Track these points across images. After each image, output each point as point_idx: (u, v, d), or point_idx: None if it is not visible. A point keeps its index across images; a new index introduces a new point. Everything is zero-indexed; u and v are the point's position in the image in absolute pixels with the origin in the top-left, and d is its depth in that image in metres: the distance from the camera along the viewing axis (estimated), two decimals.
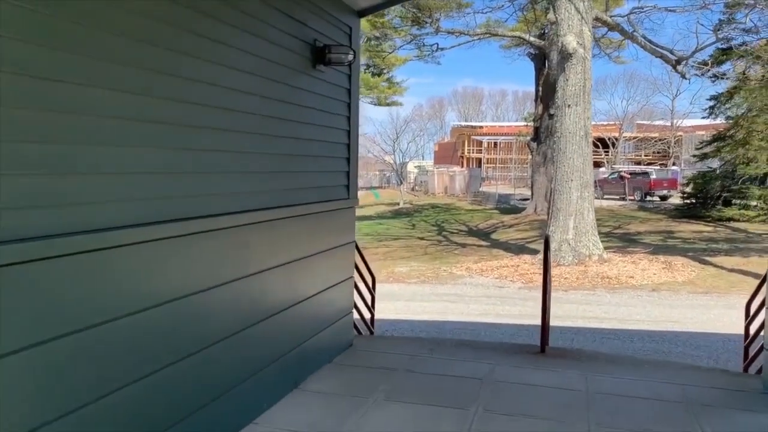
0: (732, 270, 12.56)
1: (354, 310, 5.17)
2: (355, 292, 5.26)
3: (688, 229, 19.10)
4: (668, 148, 48.59)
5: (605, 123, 50.79)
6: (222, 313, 3.15)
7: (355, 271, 5.18)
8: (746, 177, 19.99)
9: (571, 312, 8.81)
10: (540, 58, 25.86)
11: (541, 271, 13.10)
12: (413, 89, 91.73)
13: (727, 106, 20.43)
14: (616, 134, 50.24)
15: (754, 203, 19.61)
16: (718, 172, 21.55)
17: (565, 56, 13.71)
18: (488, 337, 7.37)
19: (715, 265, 13.10)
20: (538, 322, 7.21)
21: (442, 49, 24.24)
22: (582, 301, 9.75)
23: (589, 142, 13.86)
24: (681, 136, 49.41)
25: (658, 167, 40.18)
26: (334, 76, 4.16)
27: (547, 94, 23.10)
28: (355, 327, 5.24)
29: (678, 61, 15.97)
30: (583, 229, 13.54)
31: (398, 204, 35.79)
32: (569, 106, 13.65)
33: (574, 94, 13.63)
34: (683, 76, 17.24)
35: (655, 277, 11.99)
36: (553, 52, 19.69)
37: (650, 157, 50.81)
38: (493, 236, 20.87)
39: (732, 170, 20.17)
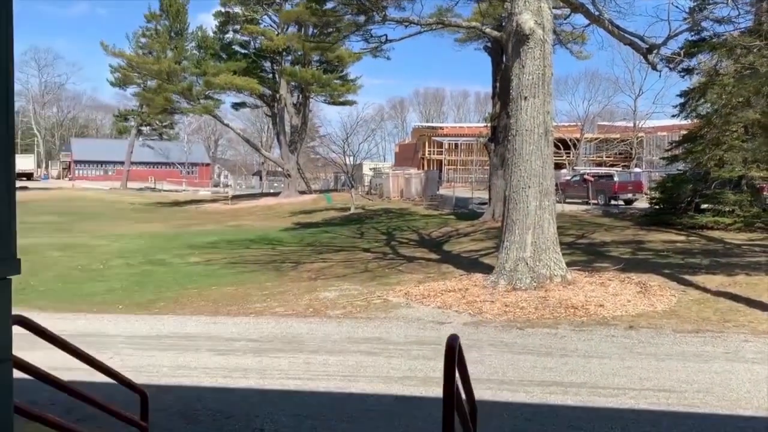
0: (718, 293, 10.51)
1: None
2: None
3: (658, 238, 17.17)
4: (630, 149, 47.45)
5: (566, 124, 49.55)
6: None
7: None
8: (720, 180, 18.17)
9: (527, 372, 6.49)
10: (498, 52, 23.95)
11: (493, 299, 10.81)
12: (374, 90, 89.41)
13: (699, 102, 18.56)
14: (577, 135, 49.01)
15: (728, 209, 17.77)
16: (688, 174, 19.71)
17: (521, 39, 11.48)
18: None
19: (697, 287, 11.06)
20: (481, 393, 4.91)
21: (391, 41, 21.88)
22: (541, 349, 7.46)
23: (549, 141, 11.63)
24: (642, 137, 48.34)
25: (620, 169, 38.78)
26: None
27: (504, 89, 21.02)
28: None
29: (649, 50, 13.91)
30: (543, 245, 11.31)
31: (350, 209, 33.34)
32: (526, 98, 11.41)
33: (532, 84, 11.40)
34: (654, 68, 15.24)
35: (630, 305, 9.82)
36: (510, 41, 17.55)
37: (612, 159, 49.75)
38: (446, 247, 18.67)
39: (705, 173, 18.31)
